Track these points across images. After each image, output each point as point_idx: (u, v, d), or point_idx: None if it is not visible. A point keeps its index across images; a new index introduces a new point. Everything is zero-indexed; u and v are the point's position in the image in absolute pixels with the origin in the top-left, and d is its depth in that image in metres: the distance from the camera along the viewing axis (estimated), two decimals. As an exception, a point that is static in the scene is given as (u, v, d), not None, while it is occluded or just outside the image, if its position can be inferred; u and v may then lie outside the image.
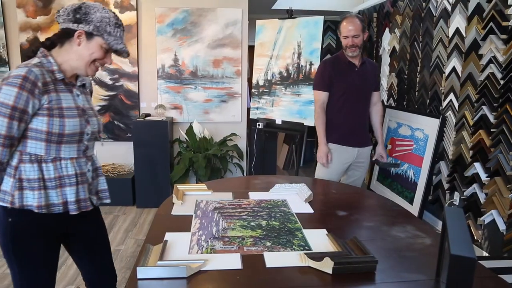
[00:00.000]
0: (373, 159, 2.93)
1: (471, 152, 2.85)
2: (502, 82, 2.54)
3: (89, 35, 1.38)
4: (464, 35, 2.93)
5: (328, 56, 5.69)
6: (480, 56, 2.77)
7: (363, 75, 2.71)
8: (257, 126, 4.40)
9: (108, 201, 1.63)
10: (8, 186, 1.36)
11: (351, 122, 2.75)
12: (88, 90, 1.58)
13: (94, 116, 1.53)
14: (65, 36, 1.39)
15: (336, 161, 2.77)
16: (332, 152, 2.76)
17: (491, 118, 2.64)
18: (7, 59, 4.14)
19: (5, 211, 1.38)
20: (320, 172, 2.81)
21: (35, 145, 1.35)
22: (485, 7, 2.74)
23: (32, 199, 1.35)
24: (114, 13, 1.44)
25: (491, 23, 2.62)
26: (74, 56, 1.40)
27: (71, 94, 1.43)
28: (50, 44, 1.42)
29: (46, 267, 1.48)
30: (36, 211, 1.36)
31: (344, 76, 2.70)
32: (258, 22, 4.44)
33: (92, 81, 1.58)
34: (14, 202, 1.35)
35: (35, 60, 1.36)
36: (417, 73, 3.62)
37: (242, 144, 4.58)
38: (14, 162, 1.36)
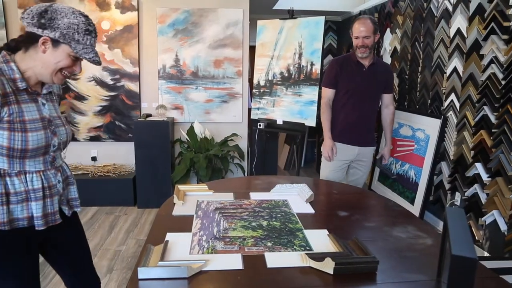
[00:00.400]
0: (377, 157, 2.94)
1: (472, 152, 2.85)
2: (503, 82, 2.53)
3: (55, 42, 1.26)
4: (465, 35, 2.93)
5: (330, 56, 5.70)
6: (481, 57, 2.77)
7: (371, 76, 2.72)
8: (258, 127, 4.40)
9: (78, 209, 1.53)
10: None
11: (352, 121, 2.76)
12: (55, 97, 1.47)
13: (62, 126, 1.43)
14: (29, 40, 1.28)
15: (337, 158, 2.81)
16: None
17: (492, 118, 2.64)
18: (8, 60, 4.14)
19: None
20: (324, 170, 2.87)
21: None
22: (486, 7, 2.74)
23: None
24: (86, 17, 1.31)
25: (492, 23, 2.62)
26: (39, 63, 1.29)
27: (36, 104, 1.33)
28: (15, 46, 1.31)
29: (22, 279, 1.35)
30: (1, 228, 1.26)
31: (350, 75, 2.73)
32: (259, 22, 4.44)
33: (66, 85, 1.43)
34: None
35: None
36: (418, 73, 3.62)
37: (243, 144, 4.58)
38: None
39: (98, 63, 1.33)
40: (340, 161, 2.82)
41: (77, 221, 1.59)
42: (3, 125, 1.24)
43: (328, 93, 2.81)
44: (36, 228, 1.33)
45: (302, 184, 2.15)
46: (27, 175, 1.31)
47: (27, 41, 1.28)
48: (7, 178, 1.28)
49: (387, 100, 2.85)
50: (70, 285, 1.61)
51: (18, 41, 1.31)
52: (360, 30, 2.60)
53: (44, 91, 1.38)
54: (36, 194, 1.32)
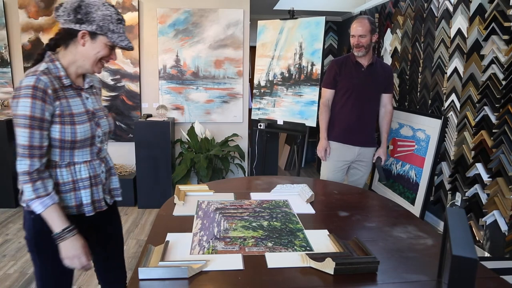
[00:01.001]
0: (373, 161, 2.91)
1: (473, 152, 2.85)
2: (504, 82, 2.53)
3: (93, 35, 1.35)
4: (466, 36, 2.93)
5: (328, 56, 5.70)
6: (482, 57, 2.76)
7: (370, 76, 2.72)
8: (259, 127, 4.40)
9: (119, 198, 1.65)
10: None
11: (352, 121, 2.76)
12: (95, 90, 1.56)
13: (104, 117, 1.53)
14: (68, 37, 1.36)
15: (337, 159, 2.81)
16: (333, 149, 2.82)
17: (493, 118, 2.64)
18: (9, 60, 4.15)
19: (30, 218, 1.40)
20: (324, 171, 2.88)
21: (50, 151, 1.38)
22: (487, 7, 2.74)
23: (70, 201, 1.41)
24: (113, 6, 1.39)
25: (493, 24, 2.62)
26: (80, 56, 1.38)
27: (80, 98, 1.44)
28: (54, 45, 1.41)
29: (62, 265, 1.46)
30: (75, 213, 1.42)
31: (348, 76, 2.74)
32: (259, 22, 4.44)
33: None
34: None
35: (42, 66, 1.34)
36: (419, 74, 3.62)
37: (244, 144, 4.58)
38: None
39: (132, 48, 1.43)
40: (340, 161, 2.82)
41: (117, 213, 1.70)
42: (55, 119, 1.35)
43: (327, 93, 2.83)
44: (86, 215, 1.45)
45: (303, 184, 2.15)
46: (76, 166, 1.43)
47: (66, 37, 1.37)
48: (57, 170, 1.40)
49: (386, 100, 2.84)
50: (100, 273, 1.70)
51: (56, 40, 1.39)
52: (356, 29, 2.63)
53: (86, 86, 1.48)
54: (84, 183, 1.44)
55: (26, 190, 1.30)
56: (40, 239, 1.41)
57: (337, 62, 2.81)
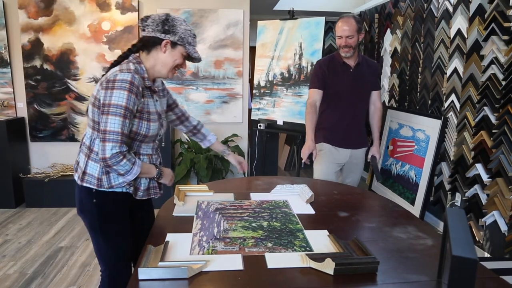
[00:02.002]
0: (368, 160, 2.86)
1: (472, 153, 2.85)
2: (503, 83, 2.53)
3: (174, 44, 1.57)
4: (466, 36, 2.93)
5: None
6: (481, 57, 2.77)
7: (358, 76, 2.68)
8: (259, 127, 4.40)
9: (161, 191, 1.79)
10: (95, 171, 1.58)
11: (344, 124, 2.73)
12: (162, 93, 1.78)
13: (165, 120, 1.81)
14: (152, 44, 1.57)
15: (328, 161, 2.78)
16: (326, 152, 2.78)
17: (492, 119, 2.64)
18: (8, 60, 4.15)
19: (90, 193, 1.60)
20: (317, 173, 2.84)
21: None
22: (486, 8, 2.74)
23: (118, 180, 1.59)
24: (189, 25, 1.62)
25: (492, 24, 2.62)
26: (159, 62, 1.59)
27: (153, 100, 1.65)
28: (136, 50, 1.62)
29: (125, 238, 1.69)
30: (126, 188, 1.61)
31: (337, 77, 2.68)
32: (259, 23, 4.44)
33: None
34: (102, 185, 1.58)
35: (132, 66, 1.55)
36: (419, 74, 3.62)
37: (244, 145, 4.58)
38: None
39: (200, 60, 1.66)
40: (332, 164, 2.78)
41: (152, 206, 1.90)
42: (136, 114, 1.55)
43: (315, 94, 2.71)
44: (137, 198, 1.67)
45: (303, 184, 2.15)
46: (141, 157, 1.65)
47: (150, 44, 1.58)
48: (131, 152, 1.60)
49: (374, 97, 2.79)
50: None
51: (139, 46, 1.61)
52: (343, 29, 2.55)
53: (156, 89, 1.69)
54: None
55: (122, 165, 1.50)
56: (104, 219, 1.62)
57: (324, 63, 2.73)
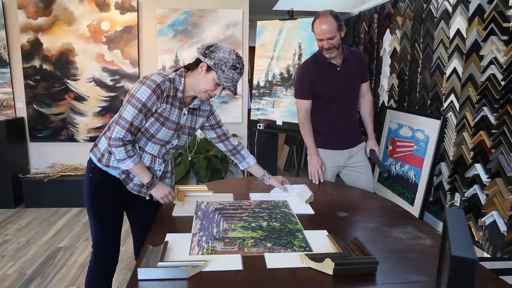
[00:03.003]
0: (368, 155, 2.74)
1: (472, 153, 2.85)
2: (503, 83, 2.53)
3: (208, 68, 1.67)
4: (465, 36, 2.93)
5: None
6: (481, 57, 2.77)
7: (346, 74, 2.51)
8: (258, 127, 4.40)
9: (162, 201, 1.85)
10: (103, 146, 1.76)
11: (338, 126, 2.58)
12: (200, 113, 1.89)
13: (186, 135, 1.86)
14: (196, 64, 1.72)
15: (329, 165, 2.63)
16: (322, 155, 2.60)
17: (492, 119, 2.64)
18: (8, 60, 4.15)
19: (89, 167, 1.80)
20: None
21: None
22: (486, 8, 2.74)
23: (116, 162, 1.72)
24: (239, 57, 1.69)
25: (492, 24, 2.62)
26: (195, 81, 1.71)
27: (180, 111, 1.76)
28: (188, 68, 1.77)
29: (115, 219, 1.84)
30: (112, 172, 1.77)
31: (326, 79, 2.50)
32: (258, 23, 4.44)
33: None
34: (101, 160, 1.75)
35: (171, 75, 1.71)
36: (418, 74, 3.62)
37: (243, 145, 4.58)
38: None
39: (235, 93, 1.72)
40: (331, 168, 2.63)
41: (158, 205, 1.91)
42: (154, 114, 1.69)
43: (305, 104, 2.54)
44: (129, 190, 1.79)
45: (302, 184, 2.15)
46: (144, 153, 1.77)
47: (195, 64, 1.73)
48: (136, 145, 1.76)
49: (364, 89, 2.64)
50: (136, 243, 2.08)
51: (191, 64, 1.76)
52: (323, 31, 2.31)
53: (191, 106, 1.81)
54: None
55: (119, 152, 1.65)
56: (95, 196, 1.78)
57: (309, 67, 2.54)
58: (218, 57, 1.64)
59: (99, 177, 1.78)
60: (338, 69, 2.50)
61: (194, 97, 1.79)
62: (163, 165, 1.84)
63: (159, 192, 1.77)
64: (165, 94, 1.67)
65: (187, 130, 1.85)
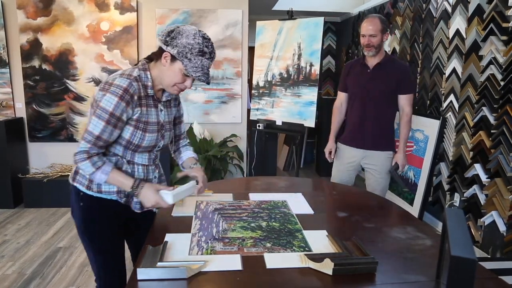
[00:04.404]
0: (392, 166, 2.68)
1: (471, 153, 2.85)
2: (502, 83, 2.54)
3: (173, 58, 1.44)
4: (465, 36, 2.94)
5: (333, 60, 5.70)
6: (480, 57, 2.77)
7: (376, 78, 2.59)
8: (257, 127, 4.40)
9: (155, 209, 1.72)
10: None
11: (357, 124, 2.68)
12: (174, 104, 1.70)
13: (168, 131, 1.66)
14: (159, 53, 1.48)
15: (341, 160, 2.77)
16: (338, 150, 2.81)
17: (491, 119, 2.64)
18: (7, 61, 4.14)
19: (78, 196, 1.54)
20: (333, 170, 2.87)
21: (114, 146, 1.52)
22: (485, 8, 2.74)
23: (108, 186, 1.51)
24: (206, 39, 1.45)
25: (491, 24, 2.62)
26: (161, 74, 1.50)
27: (156, 109, 1.56)
28: (151, 58, 1.55)
29: (119, 248, 1.63)
30: (115, 197, 1.54)
31: (354, 78, 2.71)
32: (258, 23, 4.44)
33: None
34: (91, 187, 1.51)
35: (135, 72, 1.47)
36: (418, 74, 3.62)
37: (242, 145, 4.58)
38: None
39: (207, 82, 1.49)
40: (344, 163, 2.75)
41: (153, 216, 1.75)
42: (131, 122, 1.48)
43: (340, 96, 2.85)
44: (133, 209, 1.58)
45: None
46: (135, 166, 1.57)
47: (158, 54, 1.49)
48: (124, 160, 1.54)
49: (401, 102, 2.65)
50: (131, 255, 1.84)
51: (153, 53, 1.54)
52: (367, 29, 2.54)
53: (164, 99, 1.60)
54: None
55: (85, 167, 1.42)
56: (90, 227, 1.55)
57: (348, 65, 2.80)
58: (182, 43, 1.41)
59: (92, 205, 1.54)
60: (368, 70, 2.63)
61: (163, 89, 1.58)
62: (157, 171, 1.68)
63: (148, 199, 1.49)
64: (136, 98, 1.45)
65: (168, 126, 1.66)
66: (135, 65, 1.54)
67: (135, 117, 1.48)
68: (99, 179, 1.45)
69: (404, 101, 2.63)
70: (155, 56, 1.52)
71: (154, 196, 1.48)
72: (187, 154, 1.86)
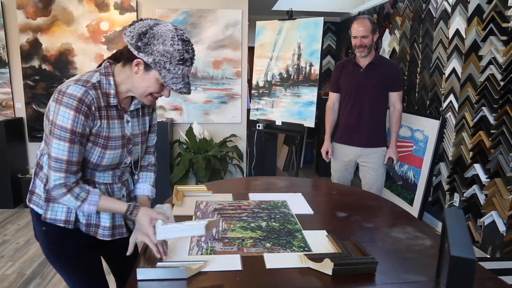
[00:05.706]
0: (384, 162, 2.76)
1: (471, 153, 2.85)
2: (502, 83, 2.54)
3: (147, 67, 1.22)
4: (464, 36, 2.94)
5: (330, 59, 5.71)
6: (480, 57, 2.77)
7: (369, 76, 2.67)
8: (257, 127, 4.40)
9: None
10: (42, 191, 1.32)
11: (350, 122, 2.76)
12: (146, 111, 1.48)
13: (138, 145, 1.44)
14: (128, 57, 1.25)
15: (338, 159, 2.85)
16: (334, 149, 2.87)
17: (491, 119, 2.65)
18: (7, 61, 4.14)
19: (38, 219, 1.33)
20: (331, 169, 2.94)
21: None
22: (485, 8, 2.74)
23: (61, 214, 1.31)
24: (185, 42, 1.23)
25: (491, 24, 2.62)
26: (131, 82, 1.27)
27: (121, 121, 1.34)
28: (117, 58, 1.33)
29: (88, 265, 1.43)
30: (62, 225, 1.32)
31: (347, 77, 2.77)
32: (258, 23, 4.44)
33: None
34: (45, 213, 1.31)
35: (95, 78, 1.25)
36: (417, 74, 3.63)
37: (242, 145, 4.58)
38: (46, 170, 1.30)
39: (187, 93, 1.27)
40: (341, 161, 2.84)
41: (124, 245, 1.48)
42: (90, 138, 1.26)
43: (332, 96, 2.90)
44: (102, 238, 1.36)
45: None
46: (96, 185, 1.34)
47: (127, 57, 1.26)
48: (81, 180, 1.28)
49: (392, 98, 2.73)
50: (117, 280, 1.68)
51: (121, 53, 1.30)
52: (358, 30, 2.61)
53: (132, 108, 1.38)
54: None
55: (69, 201, 1.24)
56: (58, 253, 1.38)
57: (339, 65, 2.85)
58: (158, 51, 1.19)
59: (56, 230, 1.33)
60: (361, 70, 2.70)
61: (133, 96, 1.35)
62: (124, 189, 1.44)
63: (142, 229, 1.29)
64: (93, 108, 1.22)
65: (138, 138, 1.43)
66: (99, 66, 1.32)
67: (93, 131, 1.25)
68: (88, 210, 1.27)
69: (395, 97, 2.74)
70: (123, 58, 1.28)
71: (147, 228, 1.27)
72: (143, 190, 1.56)
